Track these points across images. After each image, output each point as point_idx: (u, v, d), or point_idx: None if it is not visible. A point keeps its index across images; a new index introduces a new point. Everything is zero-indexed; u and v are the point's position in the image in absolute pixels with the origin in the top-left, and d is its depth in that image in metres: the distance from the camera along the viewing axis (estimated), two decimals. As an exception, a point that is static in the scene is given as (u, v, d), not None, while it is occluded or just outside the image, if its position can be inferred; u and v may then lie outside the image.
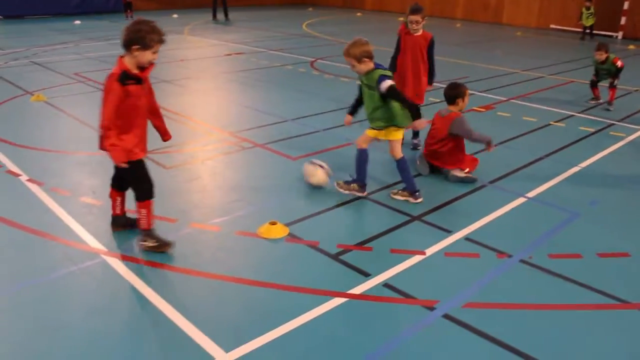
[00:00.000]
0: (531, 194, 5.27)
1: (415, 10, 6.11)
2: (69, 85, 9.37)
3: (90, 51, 12.63)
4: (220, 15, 19.56)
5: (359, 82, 5.02)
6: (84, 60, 11.56)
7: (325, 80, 10.02)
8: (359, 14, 23.16)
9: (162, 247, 4.09)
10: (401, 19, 18.72)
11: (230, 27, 17.62)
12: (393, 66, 6.30)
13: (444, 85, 6.01)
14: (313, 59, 11.91)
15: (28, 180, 5.37)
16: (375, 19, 21.50)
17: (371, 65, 4.75)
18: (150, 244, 4.09)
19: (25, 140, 6.53)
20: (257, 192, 5.19)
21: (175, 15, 20.21)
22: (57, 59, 11.69)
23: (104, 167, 5.75)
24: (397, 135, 4.96)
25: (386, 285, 3.69)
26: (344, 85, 9.64)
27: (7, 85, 9.25)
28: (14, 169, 5.65)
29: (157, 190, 4.15)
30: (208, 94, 9.04)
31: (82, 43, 13.81)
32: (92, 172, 5.66)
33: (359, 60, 4.69)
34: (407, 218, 4.70)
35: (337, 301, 3.51)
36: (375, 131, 4.98)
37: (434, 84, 6.57)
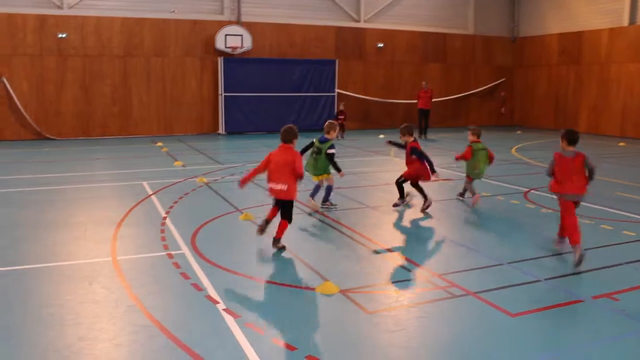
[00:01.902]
0: None
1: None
2: (275, 204, 9.51)
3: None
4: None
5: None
6: (292, 179, 11.89)
7: (542, 216, 8.95)
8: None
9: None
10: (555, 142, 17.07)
11: (432, 148, 17.28)
12: None
13: None
14: (526, 189, 10.89)
15: (224, 309, 5.15)
16: (590, 142, 19.86)
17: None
18: (281, 245, 6.94)
19: (228, 261, 6.47)
20: (470, 357, 4.36)
21: (381, 136, 20.58)
22: (268, 176, 12.18)
23: (294, 304, 5.35)
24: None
25: None
26: (565, 222, 8.53)
27: (221, 202, 9.66)
28: (214, 294, 5.50)
29: (355, 338, 4.06)
30: (412, 225, 8.53)
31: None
32: (286, 307, 5.29)
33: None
34: None
35: None
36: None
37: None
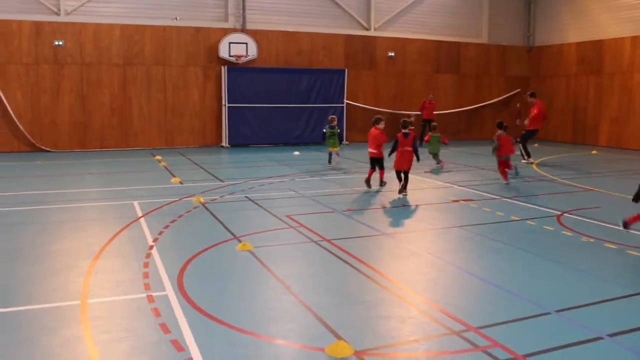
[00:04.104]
0: None
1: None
2: (278, 230, 8.44)
3: (305, 188, 11.95)
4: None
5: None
6: (297, 199, 10.81)
7: (583, 247, 7.77)
8: (594, 151, 20.48)
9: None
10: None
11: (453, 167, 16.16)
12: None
13: None
14: (559, 212, 9.71)
15: (210, 379, 4.08)
16: (612, 157, 18.75)
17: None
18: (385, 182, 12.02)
19: (219, 308, 5.39)
20: None
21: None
22: (272, 195, 11.13)
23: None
24: None
25: None
26: (613, 254, 7.38)
27: (217, 226, 8.60)
28: (198, 357, 4.41)
29: None
30: (433, 257, 7.37)
31: (298, 177, 13.33)
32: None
33: None
34: None
35: None
36: None
37: None
